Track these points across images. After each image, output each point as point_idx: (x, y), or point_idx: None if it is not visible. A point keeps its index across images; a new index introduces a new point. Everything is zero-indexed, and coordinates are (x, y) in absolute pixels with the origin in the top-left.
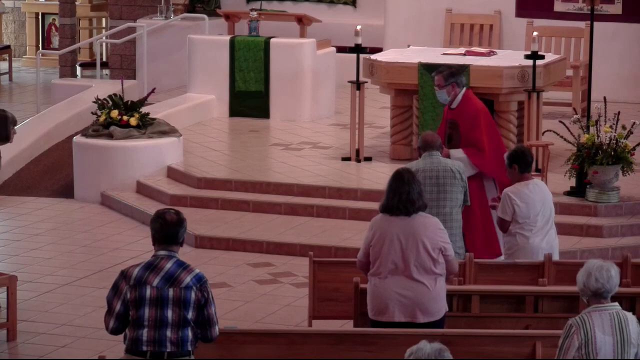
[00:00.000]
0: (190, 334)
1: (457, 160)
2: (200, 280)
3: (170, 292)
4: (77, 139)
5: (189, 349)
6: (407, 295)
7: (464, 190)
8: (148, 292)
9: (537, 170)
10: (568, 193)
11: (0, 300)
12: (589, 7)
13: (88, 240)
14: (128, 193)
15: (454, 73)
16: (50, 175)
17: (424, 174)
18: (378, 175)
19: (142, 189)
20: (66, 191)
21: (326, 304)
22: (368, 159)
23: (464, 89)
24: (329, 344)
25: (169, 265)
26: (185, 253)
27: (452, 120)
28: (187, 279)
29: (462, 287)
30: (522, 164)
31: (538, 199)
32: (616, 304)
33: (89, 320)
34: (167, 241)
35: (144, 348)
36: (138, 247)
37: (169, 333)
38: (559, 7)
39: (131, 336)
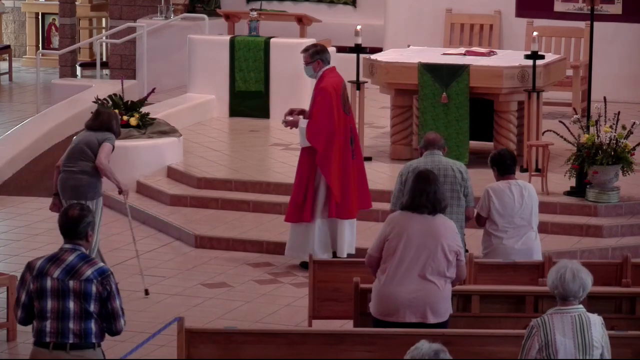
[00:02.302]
0: (94, 326)
1: (300, 129)
2: (102, 274)
3: (71, 284)
4: None
5: (93, 341)
6: (418, 296)
7: (465, 190)
8: (49, 283)
9: (537, 170)
10: (568, 193)
11: (0, 300)
12: (589, 7)
13: None
14: None
15: (319, 51)
16: (50, 175)
17: None
18: (378, 175)
19: (142, 189)
20: None
21: (326, 304)
22: (368, 159)
23: (327, 66)
24: (329, 344)
25: (71, 257)
26: (185, 253)
27: (313, 93)
28: (88, 272)
29: (462, 287)
30: (500, 167)
31: (517, 200)
32: (580, 306)
33: None
34: (69, 235)
35: (47, 339)
36: (138, 246)
37: (71, 325)
38: (559, 7)
39: (37, 328)
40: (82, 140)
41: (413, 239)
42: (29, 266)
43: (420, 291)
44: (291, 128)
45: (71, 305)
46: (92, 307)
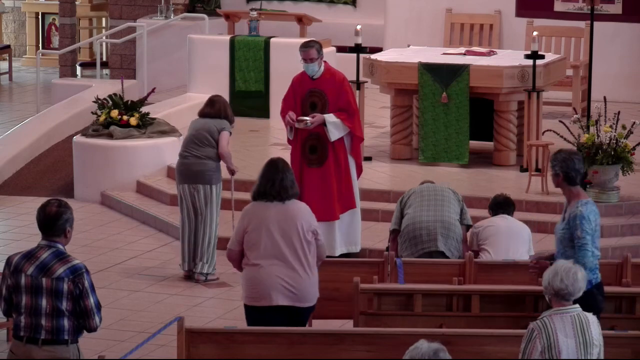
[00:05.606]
0: (66, 323)
1: (332, 124)
2: (75, 272)
3: (43, 281)
4: (77, 138)
5: (66, 338)
6: (287, 281)
7: (461, 207)
8: (23, 280)
9: (537, 170)
10: None
11: None
12: (589, 7)
13: (88, 240)
14: (128, 193)
15: (321, 47)
16: (50, 175)
17: (420, 191)
18: (378, 175)
19: (142, 189)
20: (66, 191)
21: (326, 304)
22: (368, 158)
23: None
24: (329, 344)
25: (45, 255)
26: None
27: (315, 90)
28: (60, 270)
29: (462, 287)
30: (492, 208)
31: (502, 225)
32: (577, 306)
33: None
34: (47, 232)
35: (22, 333)
36: (138, 246)
37: (43, 321)
38: (559, 7)
39: (15, 321)
40: (202, 128)
41: (272, 227)
42: (8, 261)
43: (287, 276)
44: (313, 127)
45: (43, 302)
46: (64, 305)
